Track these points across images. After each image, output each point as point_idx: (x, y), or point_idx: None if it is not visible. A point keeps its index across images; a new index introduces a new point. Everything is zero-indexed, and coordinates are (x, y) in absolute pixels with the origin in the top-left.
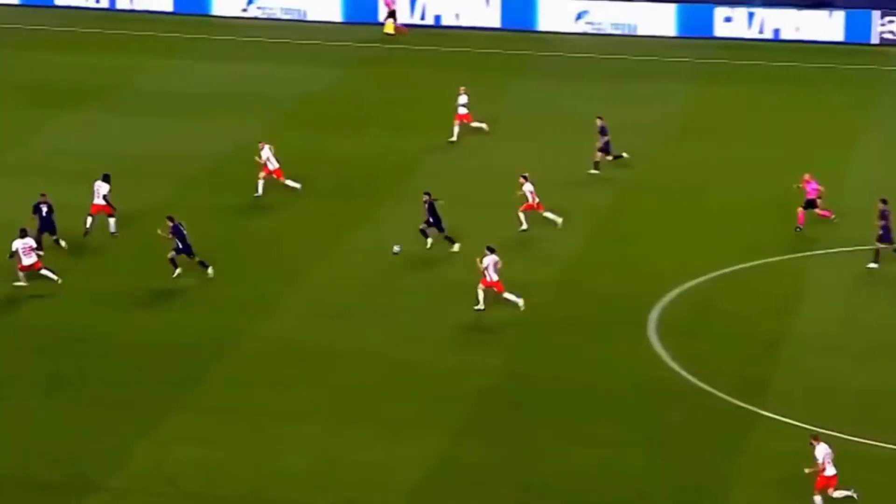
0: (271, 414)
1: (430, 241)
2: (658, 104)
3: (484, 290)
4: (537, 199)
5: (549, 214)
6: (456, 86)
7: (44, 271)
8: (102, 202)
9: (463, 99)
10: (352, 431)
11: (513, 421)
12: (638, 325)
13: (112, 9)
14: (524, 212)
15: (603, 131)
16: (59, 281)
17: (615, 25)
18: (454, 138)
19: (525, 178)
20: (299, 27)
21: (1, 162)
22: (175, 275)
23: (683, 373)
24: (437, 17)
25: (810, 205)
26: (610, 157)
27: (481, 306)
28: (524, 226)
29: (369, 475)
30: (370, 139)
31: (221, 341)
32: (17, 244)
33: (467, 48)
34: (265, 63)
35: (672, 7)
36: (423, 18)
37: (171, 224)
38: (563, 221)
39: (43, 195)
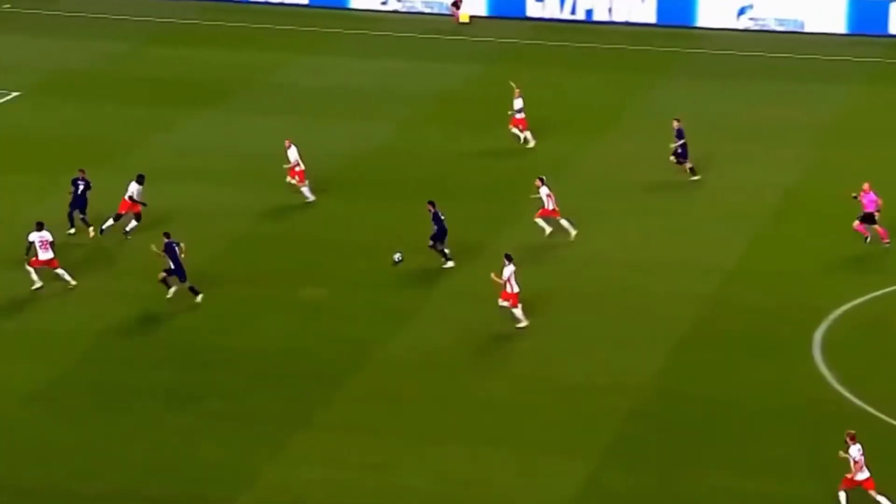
0: (404, 433)
1: (450, 263)
2: (823, 105)
3: (506, 306)
4: (553, 205)
5: (564, 222)
6: (606, 84)
7: (59, 271)
8: (129, 200)
9: (518, 103)
10: (490, 452)
11: (664, 444)
12: (800, 343)
13: (247, 2)
14: (543, 218)
15: (679, 134)
16: (74, 284)
17: (780, 22)
18: (531, 144)
19: (542, 180)
20: (443, 21)
21: (126, 162)
22: (169, 295)
23: (850, 396)
24: (589, 12)
25: (868, 219)
26: (676, 161)
27: (523, 323)
28: (547, 231)
29: (508, 500)
30: (507, 140)
31: (353, 354)
32: (34, 237)
33: (620, 45)
34: (403, 59)
35: (843, 2)
36: (573, 13)
37: (165, 241)
38: (717, 230)
39: (82, 171)
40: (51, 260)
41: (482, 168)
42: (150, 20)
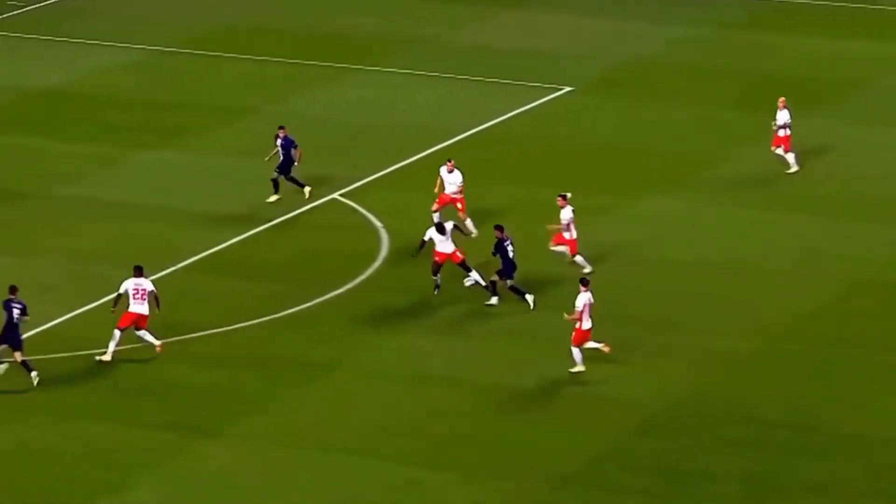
0: None
1: (531, 297)
2: None
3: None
4: (575, 234)
5: (559, 248)
6: None
7: (142, 333)
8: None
9: (783, 116)
10: None
11: None
12: None
13: None
14: (573, 254)
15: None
16: (159, 346)
17: None
18: (793, 169)
19: (564, 198)
20: None
21: (709, 179)
22: (34, 382)
23: None
24: None
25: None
26: None
27: (579, 367)
28: (587, 267)
29: None
30: None
31: None
32: (128, 285)
33: None
34: None
35: None
36: None
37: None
38: None
39: (282, 128)
40: (142, 316)
41: None
42: None
